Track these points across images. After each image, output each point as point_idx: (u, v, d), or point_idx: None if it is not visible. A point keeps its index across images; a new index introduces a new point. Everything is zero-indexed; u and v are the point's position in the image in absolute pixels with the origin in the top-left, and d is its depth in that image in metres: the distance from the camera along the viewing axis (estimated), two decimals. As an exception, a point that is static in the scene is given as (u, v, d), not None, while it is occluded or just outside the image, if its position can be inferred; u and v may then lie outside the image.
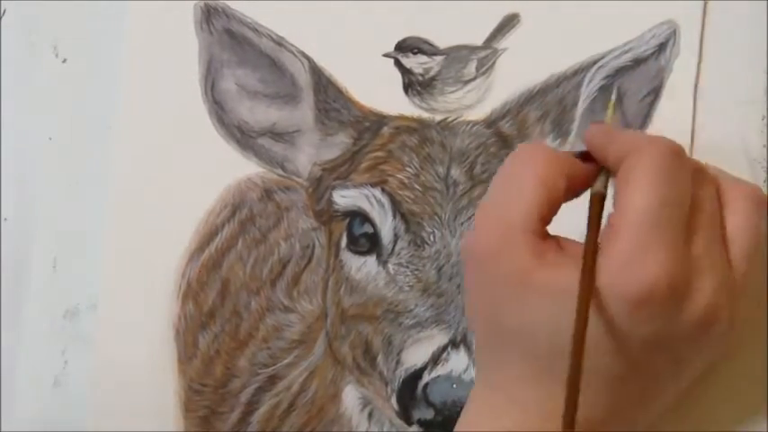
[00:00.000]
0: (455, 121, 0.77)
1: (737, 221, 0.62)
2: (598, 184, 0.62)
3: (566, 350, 0.57)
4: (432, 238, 0.75)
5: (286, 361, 0.81)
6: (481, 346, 0.65)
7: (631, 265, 0.57)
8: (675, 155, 0.60)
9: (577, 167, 0.63)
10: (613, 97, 0.72)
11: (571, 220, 0.61)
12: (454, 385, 0.72)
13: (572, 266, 0.58)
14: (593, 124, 0.67)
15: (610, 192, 0.62)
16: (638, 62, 0.73)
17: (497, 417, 0.62)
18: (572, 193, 0.63)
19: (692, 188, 0.60)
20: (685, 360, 0.61)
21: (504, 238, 0.61)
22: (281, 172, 0.81)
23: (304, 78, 0.79)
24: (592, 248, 0.58)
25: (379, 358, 0.76)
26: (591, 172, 0.63)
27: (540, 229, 0.61)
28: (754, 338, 0.69)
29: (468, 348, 0.73)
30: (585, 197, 0.63)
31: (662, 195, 0.58)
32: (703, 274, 0.58)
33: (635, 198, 0.58)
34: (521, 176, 0.62)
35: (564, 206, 0.63)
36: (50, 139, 0.86)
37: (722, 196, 0.62)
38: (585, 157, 0.64)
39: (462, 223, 0.75)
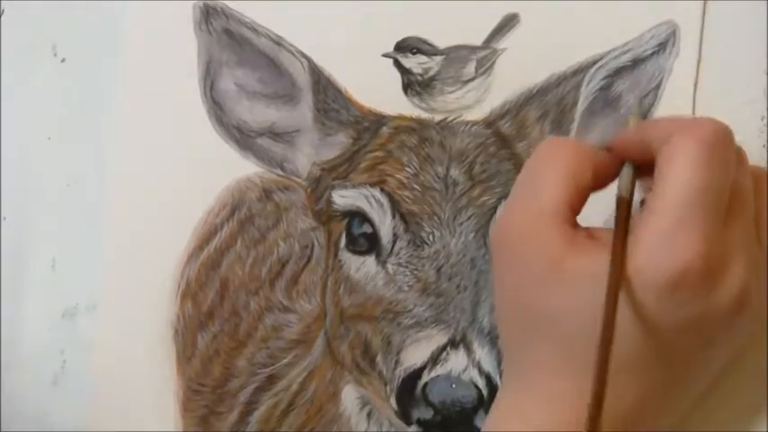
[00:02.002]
0: (454, 121, 0.77)
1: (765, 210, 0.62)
2: (622, 183, 0.63)
3: (593, 335, 0.57)
4: (431, 238, 0.75)
5: (285, 361, 0.81)
6: (510, 337, 0.65)
7: (667, 244, 0.56)
8: (723, 138, 0.59)
9: (604, 159, 0.64)
10: (635, 109, 0.72)
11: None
12: (453, 385, 0.72)
13: (603, 252, 0.58)
14: (621, 132, 0.66)
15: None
16: (637, 62, 0.73)
17: (528, 414, 0.62)
18: (599, 183, 0.64)
19: (735, 173, 0.60)
20: (716, 344, 0.61)
21: (536, 225, 0.61)
22: (280, 172, 0.81)
23: (303, 78, 0.79)
24: (621, 243, 0.58)
25: (379, 358, 0.75)
26: (615, 162, 0.64)
27: (570, 217, 0.61)
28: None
29: (468, 348, 0.73)
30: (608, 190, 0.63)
31: (706, 178, 0.57)
32: (737, 259, 0.58)
33: (678, 178, 0.57)
34: (549, 168, 0.62)
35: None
36: (49, 138, 0.86)
37: (756, 183, 0.62)
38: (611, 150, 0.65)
39: (462, 223, 0.75)
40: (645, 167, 0.62)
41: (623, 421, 0.59)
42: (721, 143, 0.59)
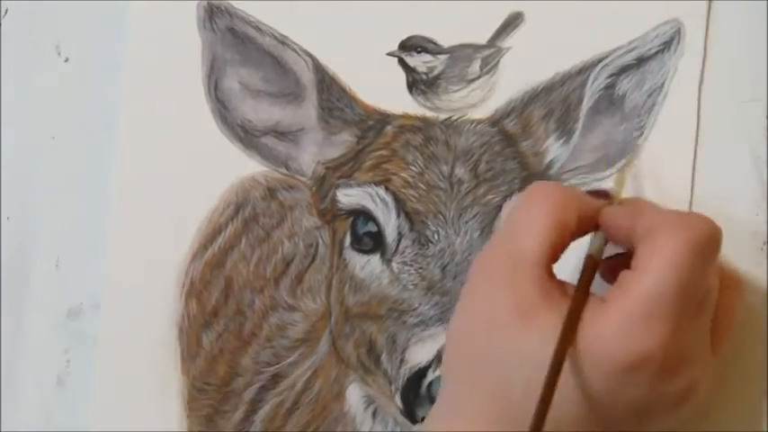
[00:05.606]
0: (459, 120, 0.77)
1: (726, 313, 0.64)
2: (594, 246, 0.64)
3: (537, 395, 0.58)
4: (436, 236, 0.75)
5: (290, 360, 0.81)
6: (453, 367, 0.66)
7: (634, 330, 0.58)
8: (711, 244, 0.61)
9: (588, 207, 0.65)
10: (619, 178, 0.73)
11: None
12: (458, 383, 0.72)
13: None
14: (610, 209, 0.67)
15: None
16: (642, 61, 0.73)
17: None
18: (582, 232, 0.65)
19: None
20: (650, 427, 0.62)
21: (513, 271, 0.62)
22: (284, 171, 0.81)
23: (307, 77, 0.79)
24: (576, 309, 0.60)
25: (383, 357, 0.75)
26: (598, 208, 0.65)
27: (548, 266, 0.63)
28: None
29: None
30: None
31: (685, 280, 0.58)
32: (694, 359, 0.60)
33: (658, 273, 0.58)
34: (535, 214, 0.64)
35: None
36: (53, 138, 0.86)
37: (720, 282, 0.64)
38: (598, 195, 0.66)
39: (467, 222, 0.75)
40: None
41: None
42: (708, 249, 0.60)
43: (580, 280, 0.62)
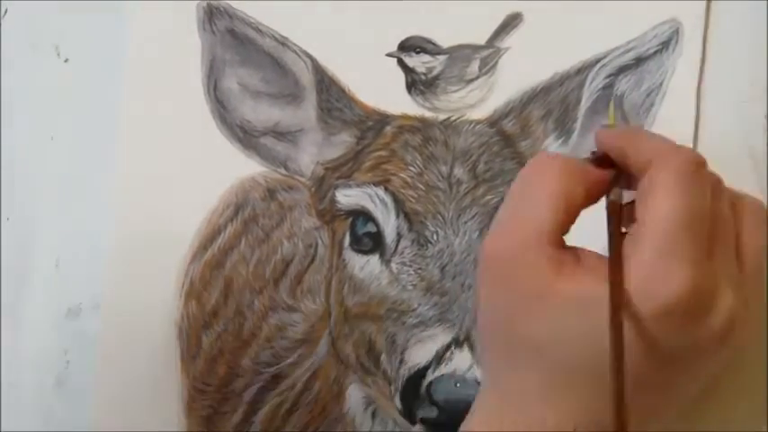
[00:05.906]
0: (458, 121, 0.77)
1: (748, 238, 0.62)
2: (614, 192, 0.62)
3: (581, 363, 0.57)
4: (435, 237, 0.75)
5: (289, 360, 0.81)
6: (494, 356, 0.63)
7: (657, 276, 0.56)
8: (699, 166, 0.59)
9: (593, 175, 0.62)
10: (612, 107, 0.72)
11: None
12: (458, 384, 0.72)
13: (591, 277, 0.58)
14: (605, 129, 0.66)
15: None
16: (640, 61, 0.74)
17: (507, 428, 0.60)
18: (589, 200, 0.62)
19: (712, 200, 0.60)
20: (699, 371, 0.61)
21: (524, 249, 0.60)
22: (283, 171, 0.81)
23: (307, 78, 0.80)
24: (617, 259, 0.58)
25: (383, 357, 0.76)
26: (606, 177, 0.62)
27: (558, 239, 0.60)
28: (754, 349, 0.68)
29: (472, 347, 0.73)
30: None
31: (686, 206, 0.57)
32: (723, 288, 0.58)
33: (660, 208, 0.57)
34: (538, 187, 0.61)
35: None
36: (52, 138, 0.86)
37: (734, 210, 0.62)
38: (599, 161, 0.64)
39: (466, 222, 0.75)
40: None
41: None
42: (696, 172, 0.59)
43: (610, 229, 0.59)
